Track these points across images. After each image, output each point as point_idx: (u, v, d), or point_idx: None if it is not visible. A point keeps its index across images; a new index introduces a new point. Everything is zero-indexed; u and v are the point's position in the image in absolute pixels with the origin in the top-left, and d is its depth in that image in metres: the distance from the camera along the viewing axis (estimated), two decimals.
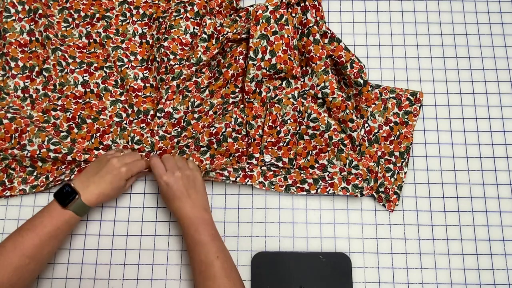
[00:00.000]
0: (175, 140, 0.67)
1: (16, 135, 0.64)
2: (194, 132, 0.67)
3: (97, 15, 0.72)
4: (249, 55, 0.66)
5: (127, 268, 0.64)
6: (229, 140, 0.66)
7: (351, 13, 0.76)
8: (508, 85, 0.72)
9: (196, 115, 0.68)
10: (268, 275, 0.63)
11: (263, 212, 0.67)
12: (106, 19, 0.71)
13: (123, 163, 0.60)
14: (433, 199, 0.67)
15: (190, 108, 0.68)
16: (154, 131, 0.67)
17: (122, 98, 0.69)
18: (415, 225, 0.66)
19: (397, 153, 0.67)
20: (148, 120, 0.68)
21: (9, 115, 0.64)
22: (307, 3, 0.68)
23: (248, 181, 0.66)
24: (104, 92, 0.70)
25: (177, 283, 0.63)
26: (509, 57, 0.73)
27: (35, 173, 0.67)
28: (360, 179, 0.66)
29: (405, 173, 0.67)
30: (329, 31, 0.67)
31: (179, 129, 0.68)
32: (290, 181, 0.66)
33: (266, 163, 0.66)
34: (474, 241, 0.65)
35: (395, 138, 0.68)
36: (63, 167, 0.65)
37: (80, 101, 0.69)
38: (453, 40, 0.74)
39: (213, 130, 0.65)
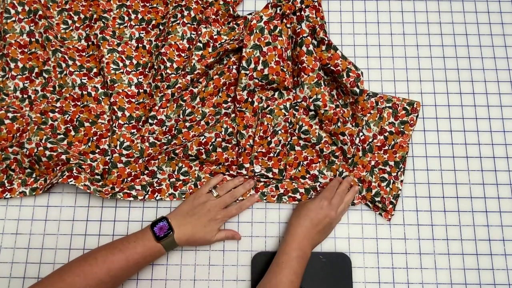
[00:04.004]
0: (165, 147, 0.69)
1: (17, 134, 0.66)
2: (184, 140, 0.69)
3: (94, 15, 0.74)
4: (241, 65, 0.68)
5: None
6: (218, 149, 0.68)
7: (351, 13, 0.78)
8: (508, 85, 0.74)
9: (187, 124, 0.70)
10: None
11: (263, 212, 0.69)
12: (103, 20, 0.73)
13: (220, 208, 0.64)
14: (433, 199, 0.69)
15: (181, 116, 0.70)
16: (145, 137, 0.69)
17: (111, 100, 0.70)
18: (415, 225, 0.68)
19: (391, 163, 0.69)
20: (139, 127, 0.70)
21: (10, 115, 0.66)
22: (302, 12, 0.70)
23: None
24: (103, 97, 0.71)
25: (177, 283, 0.65)
26: (509, 57, 0.75)
27: (34, 175, 0.68)
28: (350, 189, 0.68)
29: (402, 181, 0.68)
30: (326, 38, 0.69)
31: (169, 137, 0.70)
32: (281, 190, 0.69)
33: (256, 174, 0.68)
34: (474, 241, 0.67)
35: (390, 148, 0.70)
36: (57, 169, 0.66)
37: (79, 104, 0.71)
38: (453, 40, 0.76)
39: (203, 139, 0.67)
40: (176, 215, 0.63)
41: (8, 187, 0.68)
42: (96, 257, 0.57)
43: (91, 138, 0.70)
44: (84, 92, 0.71)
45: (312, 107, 0.70)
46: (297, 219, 0.63)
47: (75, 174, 0.64)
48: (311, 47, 0.69)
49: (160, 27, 0.75)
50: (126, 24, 0.75)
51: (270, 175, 0.68)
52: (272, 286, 0.57)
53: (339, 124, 0.68)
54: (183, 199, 0.68)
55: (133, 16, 0.75)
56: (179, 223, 0.62)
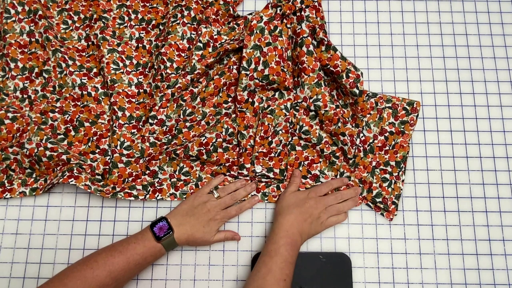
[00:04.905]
0: (165, 147, 0.69)
1: (17, 134, 0.66)
2: (184, 140, 0.69)
3: (94, 15, 0.74)
4: (242, 65, 0.68)
5: None
6: (219, 150, 0.68)
7: (351, 13, 0.78)
8: (508, 85, 0.74)
9: (188, 124, 0.70)
10: None
11: (263, 212, 0.69)
12: (103, 20, 0.74)
13: (220, 208, 0.65)
14: (433, 199, 0.69)
15: (182, 116, 0.70)
16: (145, 137, 0.69)
17: (112, 100, 0.70)
18: (415, 225, 0.68)
19: (393, 163, 0.69)
20: (140, 127, 0.70)
21: (10, 115, 0.66)
22: (303, 13, 0.70)
23: None
24: (103, 97, 0.71)
25: (177, 283, 0.65)
26: (509, 57, 0.75)
27: (34, 175, 0.68)
28: None
29: (403, 181, 0.68)
30: (325, 39, 0.69)
31: (170, 137, 0.70)
32: (283, 190, 0.68)
33: (257, 174, 0.68)
34: (474, 241, 0.67)
35: (390, 148, 0.70)
36: (57, 169, 0.66)
37: (79, 104, 0.71)
38: (453, 40, 0.76)
39: (204, 140, 0.67)
40: (175, 215, 0.63)
41: (8, 187, 0.68)
42: (97, 260, 0.57)
43: (91, 138, 0.70)
44: (84, 92, 0.71)
45: (312, 108, 0.70)
46: (285, 209, 0.63)
47: (76, 174, 0.64)
48: (311, 48, 0.69)
49: (160, 27, 0.75)
50: (126, 24, 0.75)
51: (271, 175, 0.68)
52: (262, 275, 0.56)
53: (339, 124, 0.68)
54: (184, 199, 0.68)
55: (133, 16, 0.75)
56: (178, 223, 0.62)
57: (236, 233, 0.67)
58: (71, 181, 0.63)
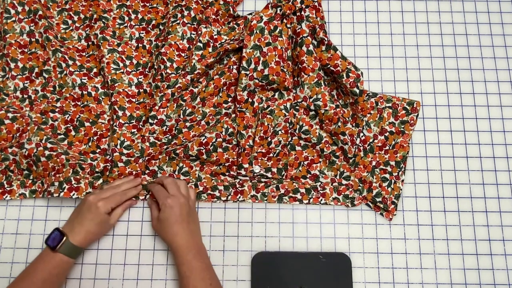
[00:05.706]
0: (165, 147, 0.69)
1: (17, 135, 0.66)
2: (184, 140, 0.69)
3: (94, 15, 0.74)
4: (242, 65, 0.68)
5: (127, 268, 0.66)
6: (219, 150, 0.68)
7: (351, 13, 0.78)
8: (508, 85, 0.74)
9: (188, 124, 0.70)
10: (268, 275, 0.64)
11: (263, 212, 0.69)
12: (103, 20, 0.73)
13: (99, 198, 0.63)
14: (433, 199, 0.69)
15: (182, 116, 0.70)
16: (145, 137, 0.69)
17: (112, 99, 0.70)
18: (415, 225, 0.68)
19: (392, 163, 0.69)
20: (140, 126, 0.70)
21: (10, 115, 0.66)
22: (303, 13, 0.70)
23: (239, 197, 0.69)
24: (103, 97, 0.71)
25: (177, 283, 0.65)
26: (509, 57, 0.75)
27: (31, 177, 0.68)
28: (351, 189, 0.68)
29: (402, 181, 0.68)
30: (326, 39, 0.69)
31: (170, 137, 0.70)
32: (282, 191, 0.69)
33: (255, 174, 0.68)
34: (474, 241, 0.67)
35: (391, 148, 0.70)
36: (52, 173, 0.66)
37: (79, 103, 0.71)
38: (453, 40, 0.76)
39: (203, 140, 0.67)
40: (67, 224, 0.63)
41: (8, 189, 0.68)
42: None
43: (91, 138, 0.70)
44: (84, 92, 0.71)
45: (312, 107, 0.70)
46: (164, 232, 0.62)
47: (75, 185, 0.64)
48: (311, 47, 0.69)
49: (160, 27, 0.75)
50: (126, 24, 0.75)
51: (269, 175, 0.68)
52: None
53: (339, 124, 0.68)
54: None
55: (133, 16, 0.75)
56: (69, 227, 0.61)
57: (132, 199, 0.67)
58: (73, 194, 0.64)
